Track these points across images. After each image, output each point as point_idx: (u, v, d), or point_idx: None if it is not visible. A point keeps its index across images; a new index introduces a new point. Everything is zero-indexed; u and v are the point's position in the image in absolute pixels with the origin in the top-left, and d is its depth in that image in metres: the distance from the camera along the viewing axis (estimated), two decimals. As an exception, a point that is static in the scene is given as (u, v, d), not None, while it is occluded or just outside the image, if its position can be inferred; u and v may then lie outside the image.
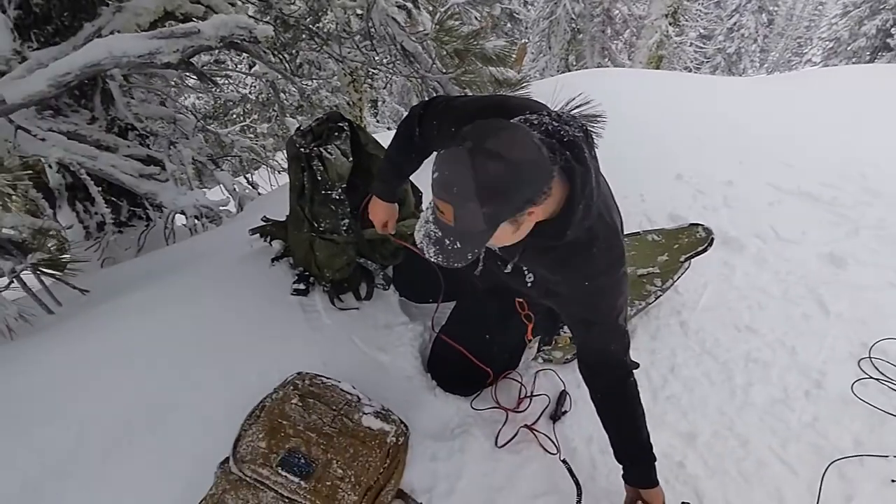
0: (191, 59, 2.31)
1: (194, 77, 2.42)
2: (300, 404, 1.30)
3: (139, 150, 3.16)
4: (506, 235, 0.99)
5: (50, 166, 2.88)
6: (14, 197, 1.95)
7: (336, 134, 1.87)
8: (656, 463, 1.28)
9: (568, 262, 1.15)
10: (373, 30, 3.09)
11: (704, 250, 1.92)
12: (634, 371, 1.31)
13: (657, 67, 10.68)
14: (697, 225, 2.01)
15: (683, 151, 3.04)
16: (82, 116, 3.08)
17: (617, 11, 13.36)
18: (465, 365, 1.63)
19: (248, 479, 1.16)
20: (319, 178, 1.74)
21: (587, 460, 1.50)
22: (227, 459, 1.21)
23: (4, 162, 2.11)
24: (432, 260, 0.99)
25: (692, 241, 1.95)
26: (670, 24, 10.85)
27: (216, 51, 2.45)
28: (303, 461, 1.18)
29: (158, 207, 3.20)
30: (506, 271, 1.30)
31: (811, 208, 2.56)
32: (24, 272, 1.86)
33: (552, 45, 14.66)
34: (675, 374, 1.75)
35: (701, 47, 18.85)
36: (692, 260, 1.98)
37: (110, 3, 3.20)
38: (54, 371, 1.51)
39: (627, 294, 1.28)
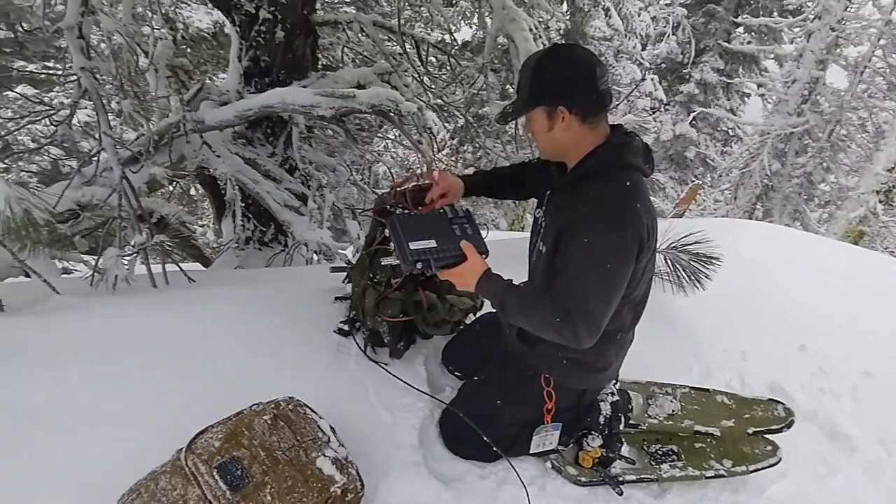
0: (343, 118, 2.72)
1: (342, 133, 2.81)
2: (269, 422, 1.32)
3: (297, 186, 3.70)
4: (540, 125, 1.35)
5: (228, 181, 3.52)
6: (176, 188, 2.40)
7: (427, 203, 1.99)
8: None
9: (579, 191, 1.34)
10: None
11: (780, 430, 1.56)
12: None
13: (855, 243, 9.33)
14: (777, 402, 1.66)
15: (812, 322, 2.56)
16: (265, 150, 3.74)
17: (820, 177, 12.24)
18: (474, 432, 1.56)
19: (187, 468, 1.19)
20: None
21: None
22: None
23: (184, 163, 2.65)
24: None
25: (767, 417, 1.61)
26: (880, 201, 9.54)
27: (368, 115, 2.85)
28: (239, 472, 1.19)
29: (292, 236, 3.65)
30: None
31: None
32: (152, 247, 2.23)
33: (738, 196, 13.81)
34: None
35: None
36: (783, 455, 1.62)
37: (319, 69, 3.94)
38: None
39: (617, 283, 1.27)
